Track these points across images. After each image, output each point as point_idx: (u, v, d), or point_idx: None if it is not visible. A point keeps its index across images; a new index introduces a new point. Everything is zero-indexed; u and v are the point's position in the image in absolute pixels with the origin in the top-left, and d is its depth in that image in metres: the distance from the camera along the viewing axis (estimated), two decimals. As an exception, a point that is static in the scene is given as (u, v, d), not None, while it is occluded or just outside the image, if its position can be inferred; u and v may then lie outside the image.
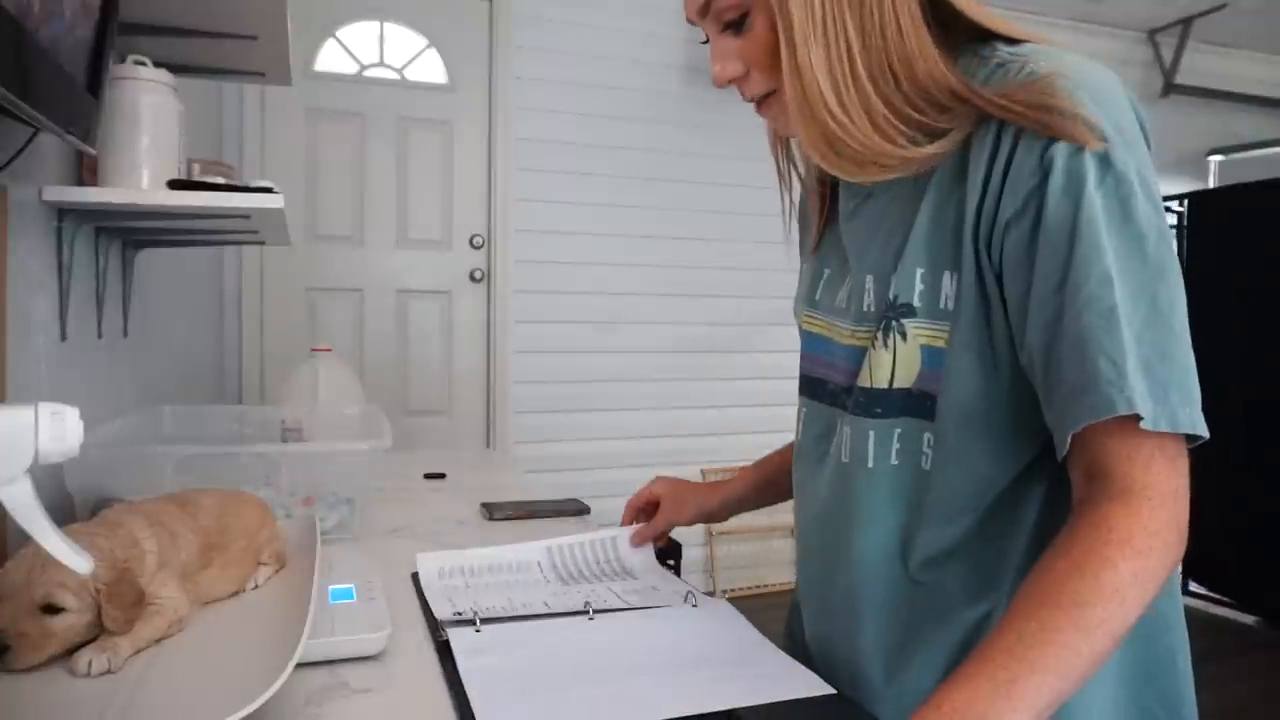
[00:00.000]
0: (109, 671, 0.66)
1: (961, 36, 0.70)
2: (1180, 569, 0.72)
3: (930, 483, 0.70)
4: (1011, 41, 0.69)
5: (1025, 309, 0.63)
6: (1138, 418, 0.58)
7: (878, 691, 0.73)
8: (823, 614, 0.81)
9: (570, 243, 3.40)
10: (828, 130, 0.67)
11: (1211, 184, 4.48)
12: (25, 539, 0.56)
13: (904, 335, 0.70)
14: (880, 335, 0.71)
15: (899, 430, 0.71)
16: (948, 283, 0.68)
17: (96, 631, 0.69)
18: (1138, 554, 0.57)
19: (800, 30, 0.66)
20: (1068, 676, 0.54)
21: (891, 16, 0.66)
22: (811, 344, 0.83)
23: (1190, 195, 3.77)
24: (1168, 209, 3.86)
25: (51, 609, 0.67)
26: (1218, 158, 4.53)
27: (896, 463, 0.72)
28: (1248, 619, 3.45)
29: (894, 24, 0.66)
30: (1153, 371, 0.59)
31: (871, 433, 0.73)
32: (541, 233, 3.37)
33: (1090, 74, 0.64)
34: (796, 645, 0.88)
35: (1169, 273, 0.61)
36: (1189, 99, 4.36)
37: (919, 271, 0.69)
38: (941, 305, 0.68)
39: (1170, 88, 4.32)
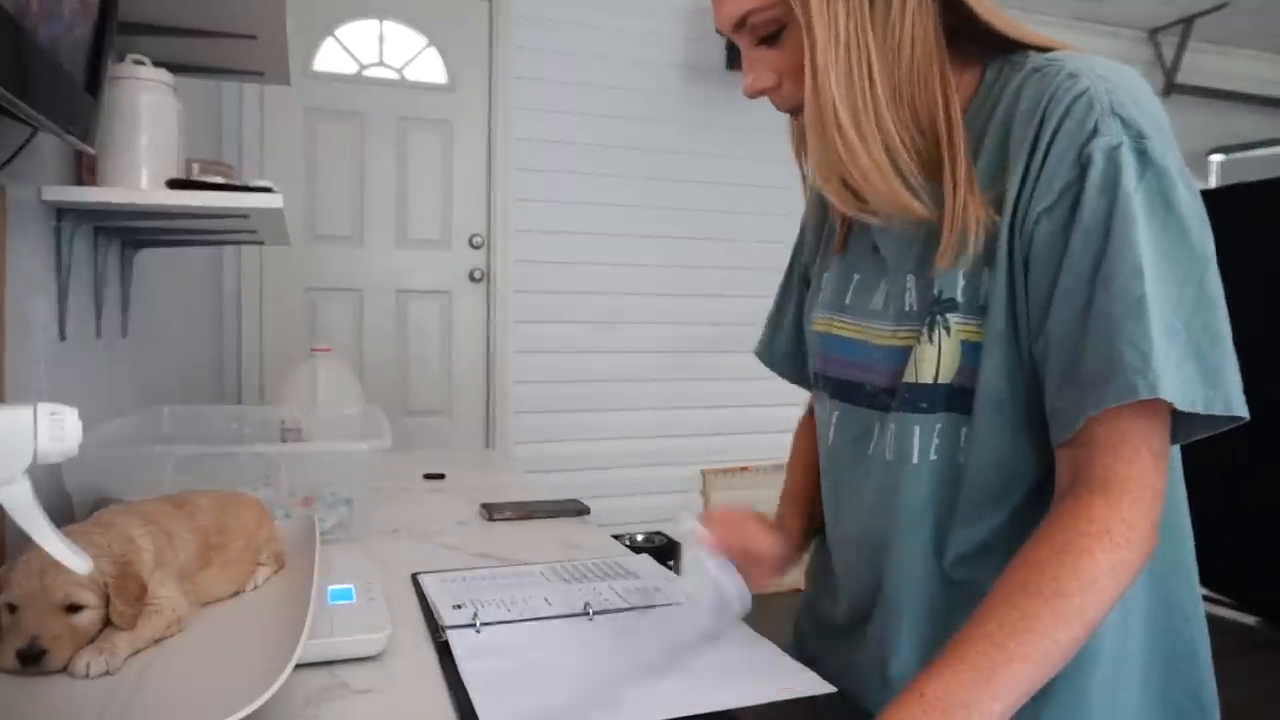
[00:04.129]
0: (107, 673, 0.66)
1: (993, 49, 0.71)
2: (1196, 565, 0.73)
3: (964, 477, 0.71)
4: (1042, 50, 0.70)
5: (1049, 299, 0.65)
6: (1128, 412, 0.60)
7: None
8: (859, 612, 0.81)
9: (570, 243, 3.40)
10: (835, 153, 0.68)
11: (1213, 184, 4.47)
12: (24, 539, 0.55)
13: (948, 330, 0.71)
14: (925, 331, 0.72)
15: (939, 425, 0.72)
16: (985, 278, 0.69)
17: (104, 626, 0.70)
18: (1116, 546, 0.58)
19: (822, 52, 0.67)
20: (1044, 665, 0.56)
21: (909, 37, 0.67)
22: (842, 348, 0.82)
23: (1191, 195, 3.77)
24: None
25: (73, 608, 0.68)
26: (1219, 157, 4.53)
27: (935, 458, 0.73)
28: (1248, 619, 3.45)
29: (909, 46, 0.67)
30: (1204, 356, 0.60)
31: (916, 428, 0.74)
32: (541, 233, 3.36)
33: (1126, 75, 0.66)
34: (803, 647, 0.88)
35: (1212, 260, 0.62)
36: (1190, 98, 4.36)
37: (962, 269, 0.70)
38: (981, 300, 0.69)
39: (1171, 87, 4.31)
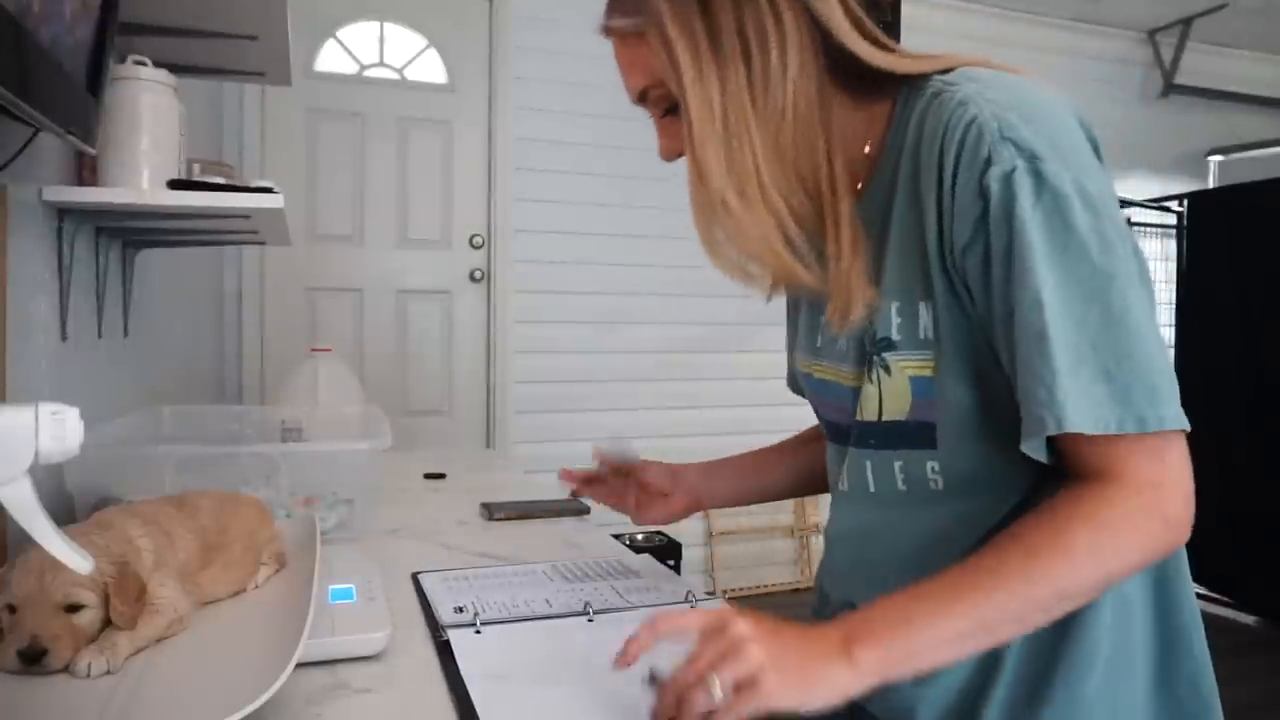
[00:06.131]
0: (108, 673, 0.66)
1: (898, 81, 0.71)
2: (1185, 552, 0.72)
3: (947, 504, 0.71)
4: (945, 70, 0.70)
5: (994, 330, 0.66)
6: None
7: (909, 694, 0.73)
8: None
9: (570, 243, 3.40)
10: (721, 229, 0.70)
11: (1211, 184, 4.47)
12: (25, 539, 0.55)
13: (886, 369, 0.71)
14: (866, 371, 0.73)
15: (899, 463, 0.73)
16: (924, 313, 0.69)
17: (104, 626, 0.70)
18: (1101, 528, 0.60)
19: (699, 130, 0.68)
20: (1000, 607, 0.59)
21: (791, 102, 0.68)
22: (824, 390, 0.83)
23: (1190, 195, 3.77)
24: (1167, 209, 3.86)
25: (73, 608, 0.68)
26: (1217, 158, 4.53)
27: (904, 489, 0.73)
28: (1248, 619, 3.45)
29: (792, 110, 0.68)
30: (1112, 376, 0.60)
31: (868, 462, 0.75)
32: (541, 233, 3.37)
33: (1019, 91, 0.65)
34: None
35: (1119, 276, 0.61)
36: (1189, 99, 4.36)
37: (894, 305, 0.70)
38: (921, 335, 0.69)
39: (1170, 88, 4.31)
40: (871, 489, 0.75)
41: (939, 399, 0.69)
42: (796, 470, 1.00)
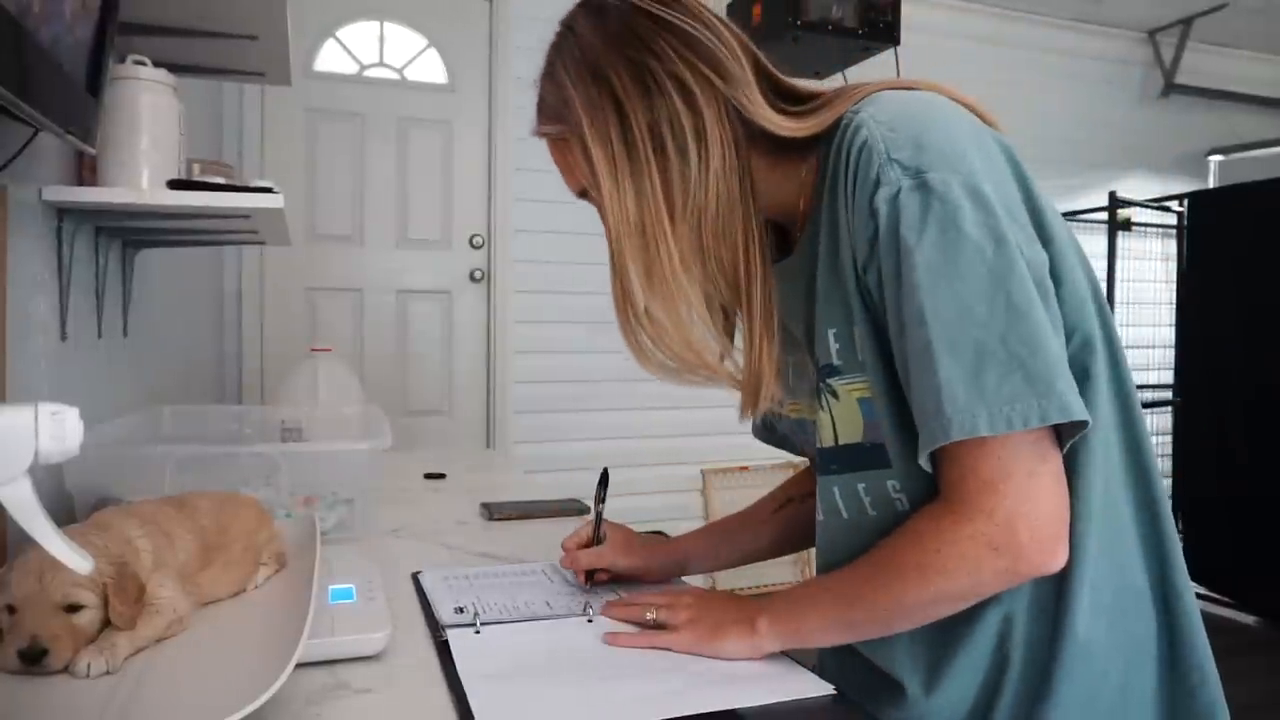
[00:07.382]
0: (108, 673, 0.66)
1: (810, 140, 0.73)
2: (1177, 539, 0.72)
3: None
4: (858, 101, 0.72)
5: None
6: (971, 445, 0.61)
7: (920, 702, 0.73)
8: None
9: (570, 243, 3.40)
10: (647, 333, 0.73)
11: (1211, 184, 4.48)
12: (25, 539, 0.55)
13: (834, 394, 0.73)
14: (817, 399, 0.75)
15: (862, 485, 0.73)
16: (858, 335, 0.70)
17: (104, 627, 0.70)
18: (925, 551, 0.64)
19: (617, 241, 0.71)
20: (859, 612, 0.69)
21: (714, 196, 0.69)
22: (799, 429, 0.85)
23: (1190, 195, 3.77)
24: (1167, 209, 3.86)
25: (73, 608, 0.68)
26: (1218, 158, 4.53)
27: (874, 512, 0.73)
28: (1248, 619, 3.45)
29: (714, 203, 0.70)
30: (1028, 366, 0.60)
31: (835, 488, 0.76)
32: (541, 233, 3.36)
33: (909, 110, 0.67)
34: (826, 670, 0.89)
35: (1015, 273, 0.61)
36: (1189, 99, 4.36)
37: (830, 332, 0.72)
38: (859, 357, 0.70)
39: (1170, 88, 4.31)
40: (844, 514, 0.76)
41: (880, 418, 0.69)
42: (787, 533, 1.00)
